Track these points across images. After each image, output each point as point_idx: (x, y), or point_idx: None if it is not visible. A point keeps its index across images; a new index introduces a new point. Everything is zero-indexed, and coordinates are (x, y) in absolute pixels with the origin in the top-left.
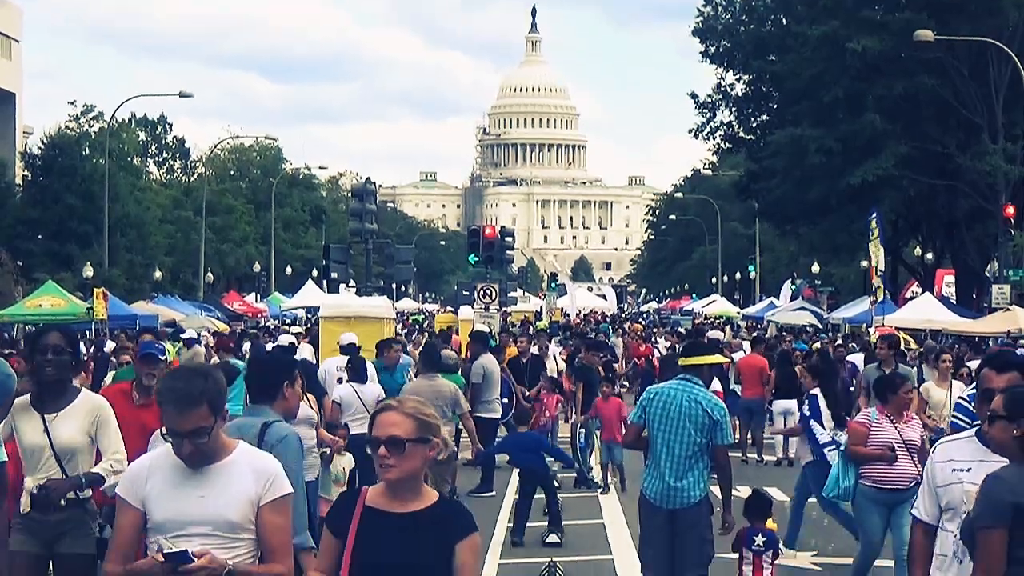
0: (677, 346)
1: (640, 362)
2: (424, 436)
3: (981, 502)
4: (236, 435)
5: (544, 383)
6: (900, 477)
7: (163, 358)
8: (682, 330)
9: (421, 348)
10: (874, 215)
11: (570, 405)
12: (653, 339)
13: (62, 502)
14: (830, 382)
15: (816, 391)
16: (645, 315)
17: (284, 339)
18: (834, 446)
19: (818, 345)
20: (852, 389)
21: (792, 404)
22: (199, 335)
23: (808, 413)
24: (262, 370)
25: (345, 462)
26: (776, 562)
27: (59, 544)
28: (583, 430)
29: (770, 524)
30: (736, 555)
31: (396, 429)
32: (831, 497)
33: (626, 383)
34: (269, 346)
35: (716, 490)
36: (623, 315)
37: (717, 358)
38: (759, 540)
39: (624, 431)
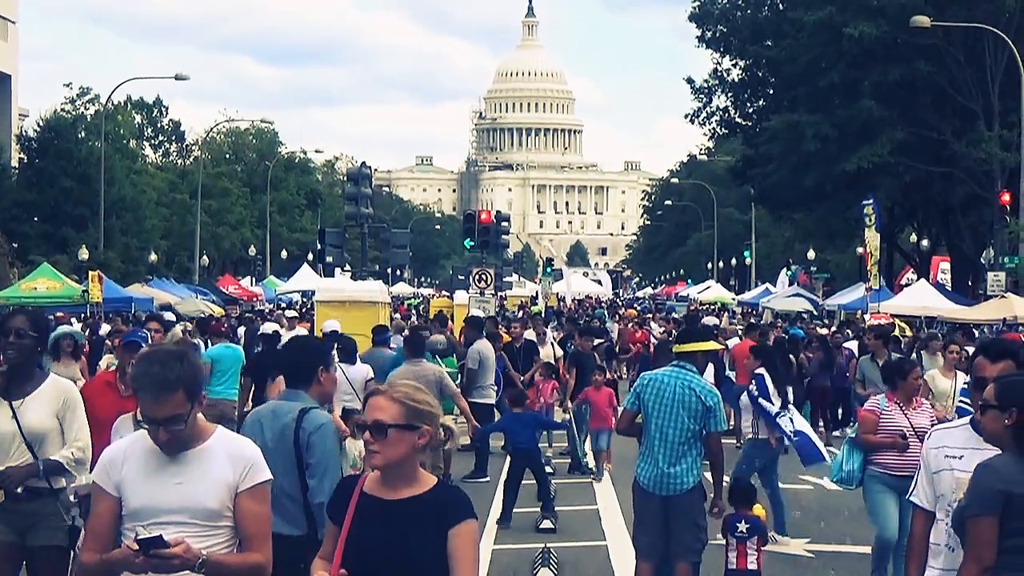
0: (673, 332)
1: (636, 348)
2: (412, 423)
3: (972, 490)
4: (270, 419)
5: (540, 369)
6: (911, 464)
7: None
8: (675, 316)
9: (406, 335)
10: (870, 202)
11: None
12: (648, 324)
13: (19, 490)
14: (774, 362)
15: (762, 371)
16: (640, 301)
17: (268, 327)
18: (784, 413)
19: (824, 331)
20: (848, 375)
21: (787, 390)
22: (177, 318)
23: (756, 392)
24: (298, 355)
25: (362, 446)
26: (766, 548)
27: (29, 535)
28: (567, 416)
29: (757, 510)
30: (724, 541)
31: (381, 414)
32: (834, 481)
33: (623, 370)
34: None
35: (709, 476)
36: (619, 301)
37: (711, 345)
38: (742, 527)
39: (618, 417)
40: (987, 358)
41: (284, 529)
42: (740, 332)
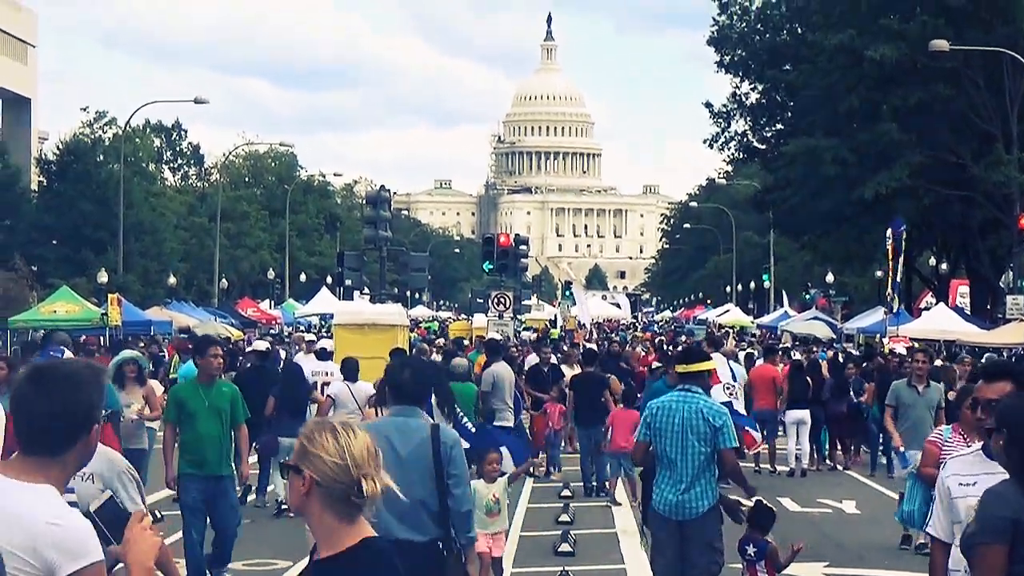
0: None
1: (642, 372)
2: (296, 464)
3: (979, 517)
4: (398, 435)
5: (552, 393)
6: None
7: None
8: (683, 338)
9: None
10: (901, 227)
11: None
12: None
13: None
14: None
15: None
16: (659, 324)
17: (259, 344)
18: None
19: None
20: (862, 399)
21: (805, 414)
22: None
23: None
24: (417, 375)
25: (497, 489)
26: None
27: None
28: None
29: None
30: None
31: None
32: (898, 521)
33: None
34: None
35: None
36: (637, 324)
37: (713, 364)
38: (751, 550)
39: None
40: (984, 379)
41: (413, 535)
42: (745, 353)
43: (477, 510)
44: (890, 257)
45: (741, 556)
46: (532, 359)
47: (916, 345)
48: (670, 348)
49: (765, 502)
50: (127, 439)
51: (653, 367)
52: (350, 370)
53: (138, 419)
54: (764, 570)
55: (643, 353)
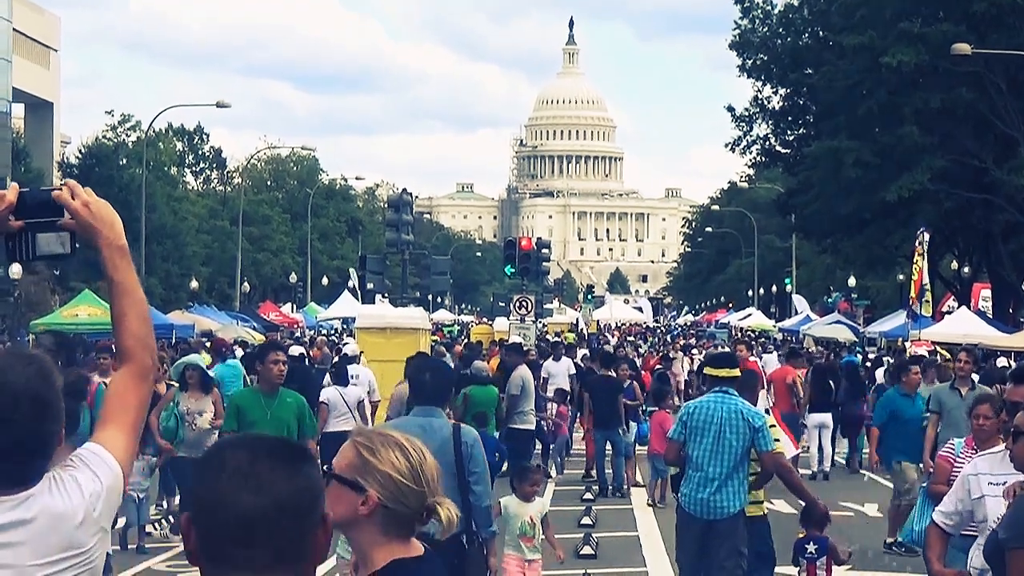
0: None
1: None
2: (355, 478)
3: (1011, 521)
4: (421, 434)
5: (555, 395)
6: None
7: None
8: (693, 341)
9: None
10: (922, 230)
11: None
12: (689, 351)
13: None
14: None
15: None
16: (679, 328)
17: (294, 349)
18: None
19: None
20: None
21: (827, 417)
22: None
23: None
24: (439, 376)
25: (534, 510)
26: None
27: None
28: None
29: None
30: (796, 568)
31: (337, 459)
32: (907, 543)
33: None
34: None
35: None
36: (661, 328)
37: (738, 371)
38: (811, 548)
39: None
40: (1013, 383)
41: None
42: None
43: (509, 533)
44: (919, 262)
45: (800, 555)
46: (551, 365)
47: (938, 349)
48: (670, 352)
49: (819, 500)
50: (197, 446)
51: (656, 370)
52: (339, 374)
53: (211, 428)
54: (824, 567)
55: (649, 358)
